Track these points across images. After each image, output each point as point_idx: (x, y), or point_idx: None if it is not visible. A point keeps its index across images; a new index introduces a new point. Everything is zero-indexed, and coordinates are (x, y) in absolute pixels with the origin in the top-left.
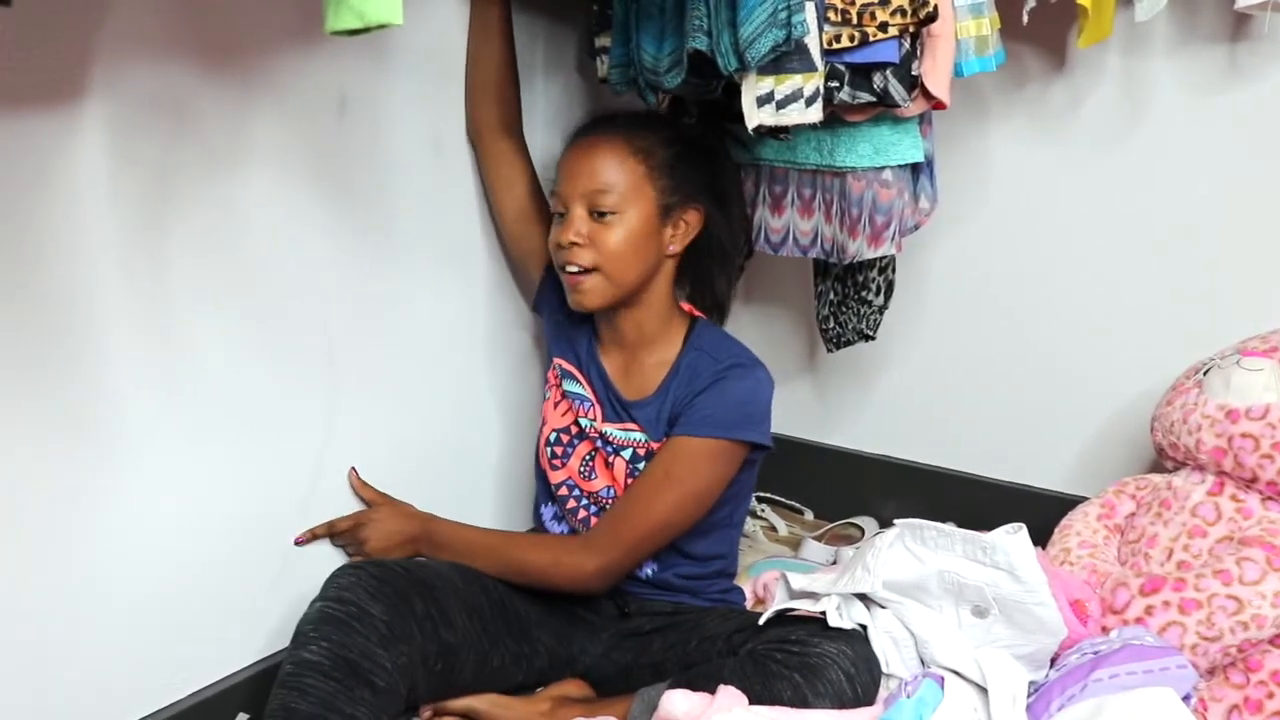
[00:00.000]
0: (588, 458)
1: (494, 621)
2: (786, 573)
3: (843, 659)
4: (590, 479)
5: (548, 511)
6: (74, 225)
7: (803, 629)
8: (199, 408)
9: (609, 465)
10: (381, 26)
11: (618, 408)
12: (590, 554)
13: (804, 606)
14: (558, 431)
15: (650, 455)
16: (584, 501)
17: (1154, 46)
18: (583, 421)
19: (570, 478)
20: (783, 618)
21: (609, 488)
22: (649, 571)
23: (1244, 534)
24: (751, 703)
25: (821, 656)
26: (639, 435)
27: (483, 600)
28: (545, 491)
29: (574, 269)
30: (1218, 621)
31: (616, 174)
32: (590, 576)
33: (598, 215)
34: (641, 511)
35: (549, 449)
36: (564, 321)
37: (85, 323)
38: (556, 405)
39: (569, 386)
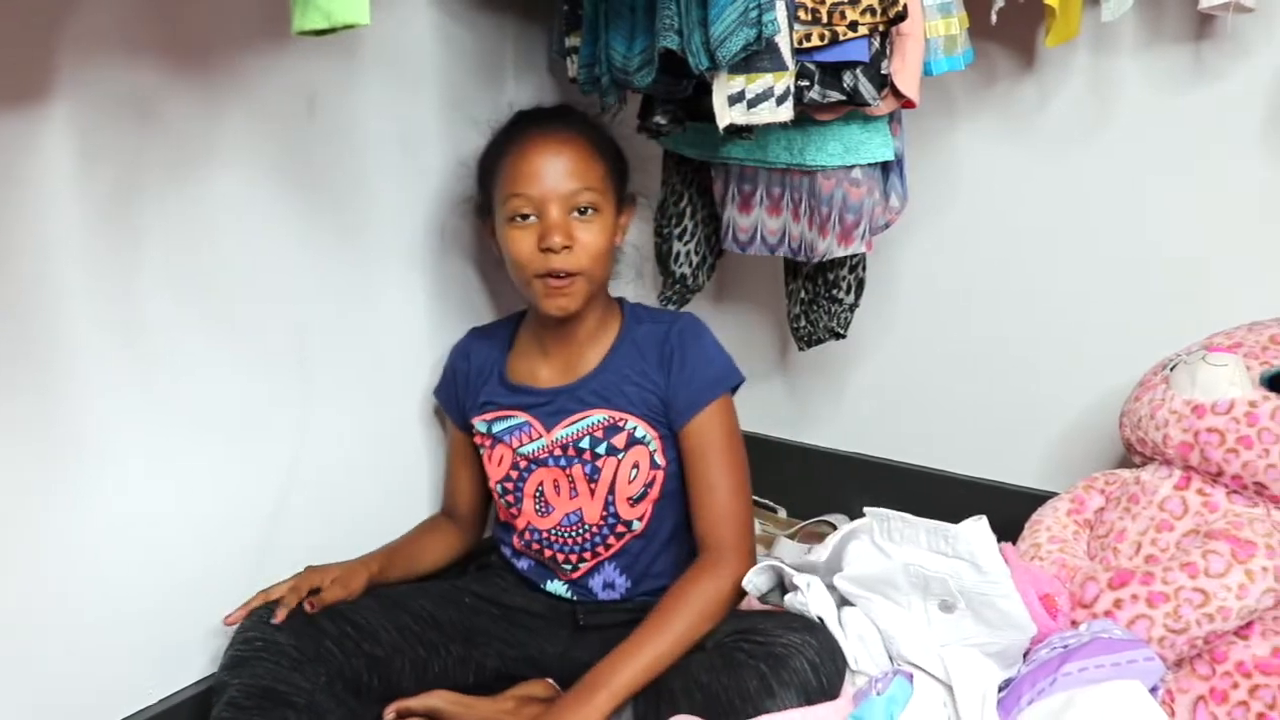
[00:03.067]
0: (539, 493)
1: (427, 633)
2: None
3: (807, 649)
4: (547, 513)
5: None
6: (39, 227)
7: (767, 620)
8: (168, 413)
9: (571, 480)
10: (348, 27)
11: (562, 402)
12: (727, 574)
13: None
14: (501, 482)
15: (614, 427)
16: (546, 543)
17: (1121, 46)
18: (524, 450)
19: (530, 522)
20: (746, 612)
21: (575, 512)
22: (623, 590)
23: (1210, 527)
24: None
25: (786, 646)
26: (597, 417)
27: (408, 618)
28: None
29: (562, 274)
30: (1184, 614)
31: (591, 172)
32: (735, 593)
33: (579, 214)
34: (733, 496)
35: (503, 499)
36: (465, 383)
37: (50, 326)
38: (491, 458)
39: (497, 429)
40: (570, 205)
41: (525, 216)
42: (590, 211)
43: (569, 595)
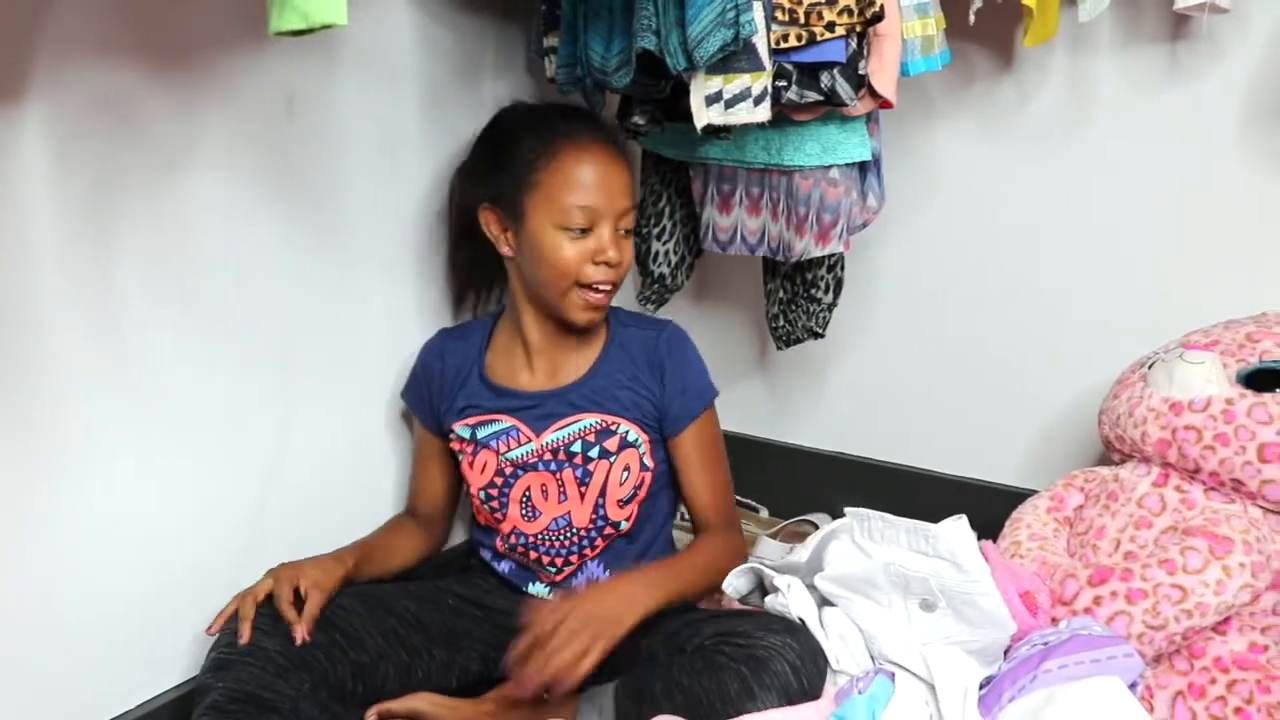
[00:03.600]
0: (525, 498)
1: (411, 636)
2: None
3: (788, 651)
4: (534, 518)
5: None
6: (18, 229)
7: (748, 622)
8: (149, 414)
9: (560, 484)
10: (326, 27)
11: (552, 406)
12: (733, 538)
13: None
14: (484, 488)
15: (607, 430)
16: (532, 546)
17: (1098, 46)
18: (511, 455)
19: (516, 526)
20: (727, 613)
21: (563, 516)
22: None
23: (1187, 524)
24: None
25: (767, 649)
26: (589, 420)
27: (393, 621)
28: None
29: (606, 288)
30: (1163, 610)
31: (633, 192)
32: (740, 555)
33: (625, 233)
34: (723, 489)
35: (486, 505)
36: (440, 385)
37: (31, 329)
38: (473, 465)
39: (482, 435)
40: (619, 223)
41: (583, 229)
42: (629, 231)
43: (551, 597)
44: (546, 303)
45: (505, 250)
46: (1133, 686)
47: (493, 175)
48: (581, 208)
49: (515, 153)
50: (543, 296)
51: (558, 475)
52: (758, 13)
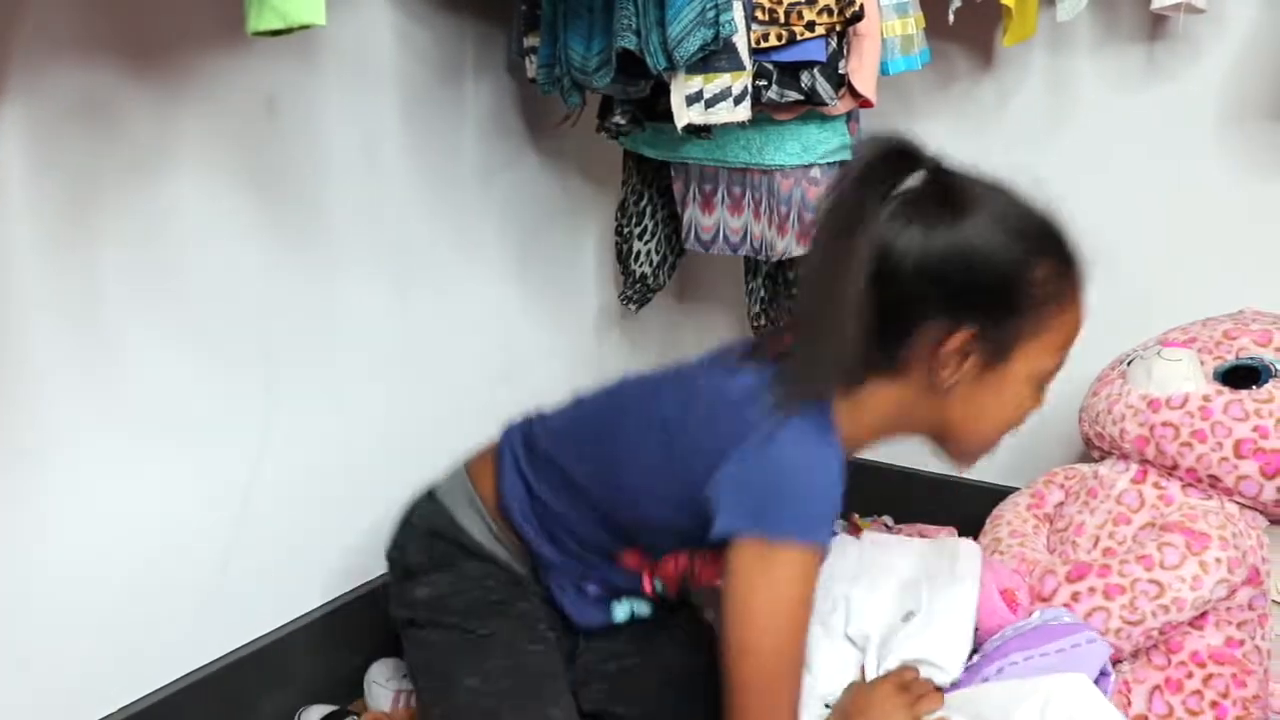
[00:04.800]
0: None
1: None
2: None
3: None
4: None
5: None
6: None
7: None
8: (129, 418)
9: None
10: (304, 27)
11: None
12: None
13: None
14: None
15: None
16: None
17: (1077, 46)
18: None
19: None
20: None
21: None
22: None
23: (1165, 520)
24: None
25: None
26: None
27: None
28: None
29: None
30: (1140, 606)
31: None
32: None
33: None
34: None
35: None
36: None
37: (9, 329)
38: None
39: None
40: None
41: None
42: None
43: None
44: (938, 438)
45: (946, 375)
46: (1104, 675)
47: (981, 291)
48: (1055, 372)
49: (1024, 276)
50: (944, 434)
51: None
52: (737, 12)
